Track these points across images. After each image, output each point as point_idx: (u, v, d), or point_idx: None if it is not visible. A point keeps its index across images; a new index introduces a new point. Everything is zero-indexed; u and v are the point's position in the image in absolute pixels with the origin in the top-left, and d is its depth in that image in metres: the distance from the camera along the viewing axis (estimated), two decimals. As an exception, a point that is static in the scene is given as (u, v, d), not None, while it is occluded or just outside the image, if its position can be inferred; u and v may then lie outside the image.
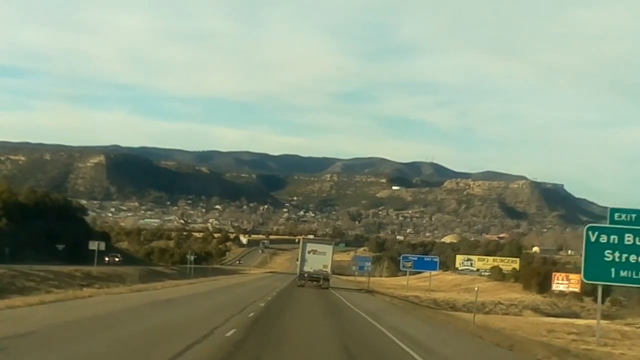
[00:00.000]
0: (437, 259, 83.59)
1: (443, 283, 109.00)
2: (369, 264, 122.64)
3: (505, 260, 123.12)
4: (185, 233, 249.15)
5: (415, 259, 78.85)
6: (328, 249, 61.68)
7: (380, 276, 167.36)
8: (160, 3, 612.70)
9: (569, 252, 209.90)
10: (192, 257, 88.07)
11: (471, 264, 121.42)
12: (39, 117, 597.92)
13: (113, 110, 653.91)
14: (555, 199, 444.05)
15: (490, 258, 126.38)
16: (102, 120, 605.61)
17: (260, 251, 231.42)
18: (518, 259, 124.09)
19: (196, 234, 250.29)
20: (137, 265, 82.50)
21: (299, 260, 62.16)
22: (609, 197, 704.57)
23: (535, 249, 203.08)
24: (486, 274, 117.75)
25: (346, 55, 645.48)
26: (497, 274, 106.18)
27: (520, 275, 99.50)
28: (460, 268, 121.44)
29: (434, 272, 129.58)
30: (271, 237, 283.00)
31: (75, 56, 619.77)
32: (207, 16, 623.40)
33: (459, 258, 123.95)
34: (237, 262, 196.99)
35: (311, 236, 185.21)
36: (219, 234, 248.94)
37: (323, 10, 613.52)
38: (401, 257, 79.44)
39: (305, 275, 60.24)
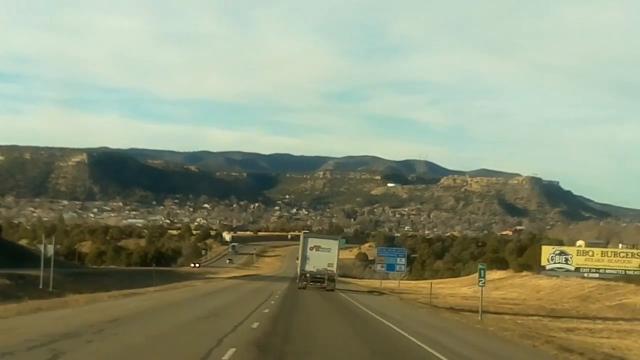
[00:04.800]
0: None
1: (546, 292, 57.23)
2: (404, 260, 71.68)
3: (621, 254, 72.50)
4: (160, 230, 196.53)
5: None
6: (333, 244, 48.71)
7: (403, 279, 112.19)
8: (150, 5, 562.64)
9: (620, 245, 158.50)
10: (52, 250, 35.44)
11: (566, 260, 69.83)
12: (29, 120, 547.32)
13: (103, 112, 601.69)
14: (555, 196, 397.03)
15: (596, 250, 74.54)
16: (92, 123, 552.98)
17: (227, 260, 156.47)
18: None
19: (173, 232, 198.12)
20: None
21: (299, 258, 48.79)
22: (603, 194, 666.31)
23: (580, 242, 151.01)
24: (594, 274, 66.61)
25: (337, 55, 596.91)
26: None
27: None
28: (547, 266, 69.80)
29: (503, 275, 77.82)
30: (260, 233, 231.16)
31: (65, 59, 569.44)
32: (198, 18, 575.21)
33: (546, 251, 71.91)
34: (192, 265, 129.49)
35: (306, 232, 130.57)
36: (197, 231, 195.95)
37: (314, 11, 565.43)
38: None
39: (307, 275, 47.35)
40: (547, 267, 70.71)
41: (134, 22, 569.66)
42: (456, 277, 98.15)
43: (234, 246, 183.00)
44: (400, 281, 74.67)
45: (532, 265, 74.02)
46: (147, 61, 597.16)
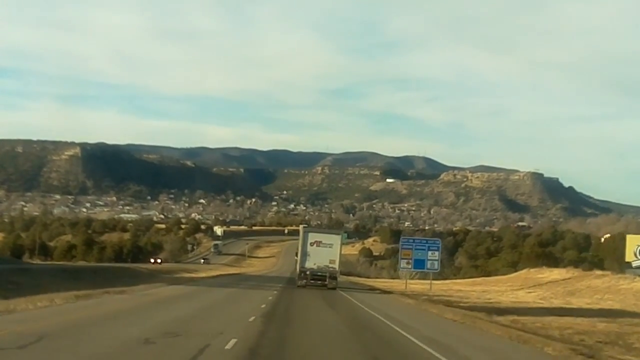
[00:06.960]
0: None
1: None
2: (437, 254, 50.92)
3: None
4: (146, 224, 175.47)
5: None
6: (335, 240, 44.01)
7: (413, 278, 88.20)
8: (148, 2, 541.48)
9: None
10: None
11: (657, 254, 49.11)
12: (24, 115, 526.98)
13: (102, 108, 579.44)
14: (557, 192, 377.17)
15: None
16: (90, 119, 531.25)
17: (201, 260, 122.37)
18: None
19: (161, 226, 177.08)
20: None
21: (299, 254, 44.46)
22: (603, 191, 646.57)
23: (607, 235, 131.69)
24: None
25: (335, 51, 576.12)
26: None
27: None
28: (633, 263, 49.25)
29: (564, 274, 56.85)
30: (255, 228, 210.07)
31: (63, 55, 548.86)
32: (196, 14, 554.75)
33: (632, 242, 51.18)
34: (152, 260, 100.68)
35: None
36: (186, 225, 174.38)
37: (311, 7, 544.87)
38: None
39: (307, 272, 43.15)
40: (634, 264, 49.90)
41: (133, 18, 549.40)
42: (488, 276, 77.15)
43: (216, 245, 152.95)
44: (432, 282, 53.75)
45: (611, 261, 52.91)
46: (146, 57, 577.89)
